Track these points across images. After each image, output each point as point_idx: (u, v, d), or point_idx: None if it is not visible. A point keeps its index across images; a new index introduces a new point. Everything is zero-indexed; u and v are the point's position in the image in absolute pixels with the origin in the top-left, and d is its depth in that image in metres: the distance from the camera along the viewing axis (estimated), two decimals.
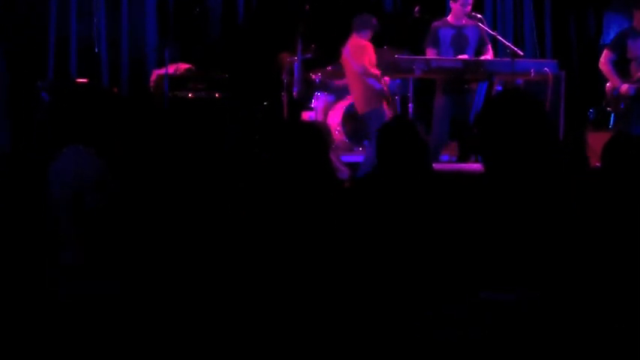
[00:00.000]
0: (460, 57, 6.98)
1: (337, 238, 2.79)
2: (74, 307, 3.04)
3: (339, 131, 8.32)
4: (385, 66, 7.19)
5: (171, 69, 7.44)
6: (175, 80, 7.47)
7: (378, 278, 2.69)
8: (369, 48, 7.25)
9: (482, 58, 7.07)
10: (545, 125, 2.44)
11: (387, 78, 7.48)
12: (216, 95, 7.49)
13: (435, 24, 7.15)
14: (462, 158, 7.20)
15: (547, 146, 2.42)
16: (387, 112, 7.25)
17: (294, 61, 7.97)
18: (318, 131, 3.01)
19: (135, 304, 2.81)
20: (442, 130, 7.12)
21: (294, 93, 8.00)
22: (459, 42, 7.09)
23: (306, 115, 8.48)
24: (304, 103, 8.50)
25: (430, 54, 7.05)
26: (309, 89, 8.44)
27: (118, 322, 2.77)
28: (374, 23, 7.32)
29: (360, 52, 7.23)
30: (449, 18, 7.19)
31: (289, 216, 2.83)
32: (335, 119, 8.36)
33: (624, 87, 6.88)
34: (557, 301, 2.28)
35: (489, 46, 7.19)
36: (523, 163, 2.40)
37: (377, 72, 7.27)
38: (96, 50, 8.42)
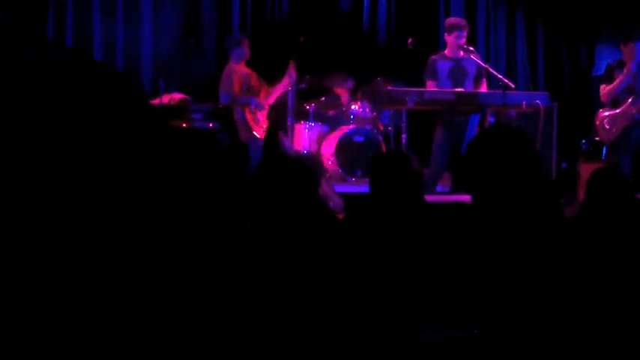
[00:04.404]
0: (458, 89, 7.03)
1: (330, 268, 2.80)
2: (72, 318, 3.03)
3: (332, 161, 8.28)
4: (378, 97, 7.20)
5: (165, 99, 7.47)
6: (169, 110, 7.48)
7: (367, 308, 2.70)
8: (235, 73, 7.13)
9: (477, 90, 7.14)
10: (533, 161, 2.47)
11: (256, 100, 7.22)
12: (210, 125, 7.51)
13: (433, 57, 7.23)
14: (455, 189, 7.22)
15: (534, 181, 2.44)
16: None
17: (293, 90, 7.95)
18: (306, 166, 3.01)
19: (135, 316, 2.79)
20: (441, 161, 7.15)
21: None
22: (457, 74, 7.16)
23: (298, 146, 8.45)
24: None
25: (430, 86, 7.11)
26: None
27: (118, 335, 2.76)
28: (239, 38, 7.27)
29: (225, 80, 7.15)
30: (446, 51, 7.27)
31: (283, 247, 2.85)
32: (328, 149, 8.34)
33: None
34: (544, 330, 2.30)
35: (484, 80, 7.26)
36: (510, 197, 2.43)
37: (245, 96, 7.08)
38: None
